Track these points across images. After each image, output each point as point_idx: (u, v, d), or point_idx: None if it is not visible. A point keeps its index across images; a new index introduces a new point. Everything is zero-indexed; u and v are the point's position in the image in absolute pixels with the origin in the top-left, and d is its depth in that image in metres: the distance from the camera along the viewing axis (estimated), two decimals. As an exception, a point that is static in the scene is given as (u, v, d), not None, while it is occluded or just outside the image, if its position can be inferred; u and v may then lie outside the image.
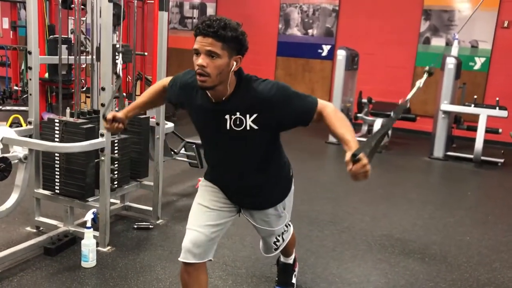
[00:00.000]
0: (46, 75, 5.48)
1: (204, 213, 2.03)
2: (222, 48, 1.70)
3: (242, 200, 2.10)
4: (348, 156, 1.58)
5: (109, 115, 2.08)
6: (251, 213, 2.15)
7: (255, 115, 1.81)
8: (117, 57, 2.91)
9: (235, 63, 1.76)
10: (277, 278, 2.73)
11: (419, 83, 1.97)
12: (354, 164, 1.55)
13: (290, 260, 2.65)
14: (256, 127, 1.83)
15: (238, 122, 1.83)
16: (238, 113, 1.82)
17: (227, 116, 1.84)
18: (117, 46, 2.92)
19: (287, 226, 2.30)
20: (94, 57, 3.22)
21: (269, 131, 1.89)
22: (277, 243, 2.30)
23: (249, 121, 1.82)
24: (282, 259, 2.66)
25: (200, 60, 1.72)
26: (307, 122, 1.86)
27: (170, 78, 2.10)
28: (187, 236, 2.00)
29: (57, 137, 2.97)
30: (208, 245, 2.01)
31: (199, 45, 1.72)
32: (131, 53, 3.29)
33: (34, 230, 3.26)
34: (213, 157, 2.08)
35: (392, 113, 6.66)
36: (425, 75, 2.01)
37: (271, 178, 1.98)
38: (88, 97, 3.69)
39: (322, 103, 1.84)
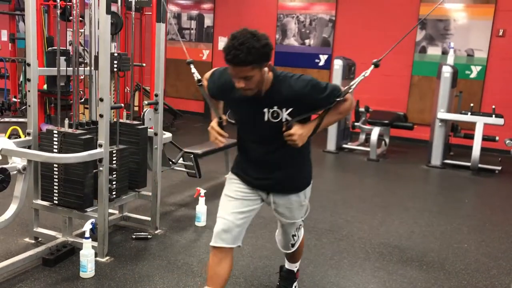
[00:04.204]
0: (45, 86, 5.51)
1: (229, 202, 2.24)
2: (252, 69, 1.90)
3: (268, 182, 2.24)
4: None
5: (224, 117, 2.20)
6: (275, 200, 2.27)
7: (291, 109, 2.05)
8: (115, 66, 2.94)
9: (266, 69, 1.97)
10: (278, 284, 2.75)
11: (365, 73, 2.14)
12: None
13: (295, 268, 2.70)
14: (290, 119, 2.07)
15: (275, 115, 2.07)
16: (275, 107, 2.06)
17: (265, 110, 2.07)
18: (115, 54, 2.94)
19: (302, 222, 2.44)
20: (93, 68, 3.25)
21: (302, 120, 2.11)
22: (294, 237, 2.46)
23: (285, 114, 2.06)
24: (287, 265, 2.71)
25: (237, 84, 1.96)
26: (331, 104, 2.10)
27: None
28: (217, 224, 2.21)
29: (55, 148, 2.99)
30: (235, 231, 2.19)
31: (232, 72, 1.95)
32: (128, 61, 3.32)
33: (33, 241, 3.27)
34: (247, 137, 2.25)
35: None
36: (372, 66, 2.15)
37: (297, 164, 2.22)
38: (87, 108, 3.72)
39: (347, 97, 2.11)
